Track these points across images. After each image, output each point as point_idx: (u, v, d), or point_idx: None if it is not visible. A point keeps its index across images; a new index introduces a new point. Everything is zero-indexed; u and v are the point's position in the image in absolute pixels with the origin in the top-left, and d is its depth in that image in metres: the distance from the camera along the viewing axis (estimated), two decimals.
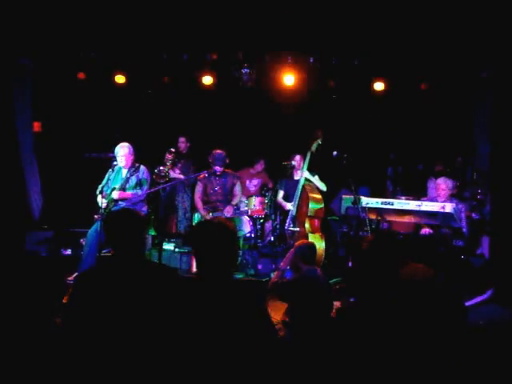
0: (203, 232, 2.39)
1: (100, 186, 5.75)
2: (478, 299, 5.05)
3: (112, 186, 5.70)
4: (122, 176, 5.81)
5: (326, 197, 6.72)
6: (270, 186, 8.06)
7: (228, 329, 2.21)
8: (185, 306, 2.30)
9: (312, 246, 4.44)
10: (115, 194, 5.65)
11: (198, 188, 6.67)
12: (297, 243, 4.51)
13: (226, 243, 2.36)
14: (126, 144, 5.83)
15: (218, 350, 2.18)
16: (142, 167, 5.80)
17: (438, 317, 2.90)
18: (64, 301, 4.60)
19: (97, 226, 5.48)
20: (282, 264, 4.51)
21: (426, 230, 5.88)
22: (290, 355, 3.60)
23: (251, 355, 2.19)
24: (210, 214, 6.43)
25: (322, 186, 6.58)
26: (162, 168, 6.72)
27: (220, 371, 2.17)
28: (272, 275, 6.18)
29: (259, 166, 8.21)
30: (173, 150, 6.99)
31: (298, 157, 6.67)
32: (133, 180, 5.74)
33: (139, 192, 5.75)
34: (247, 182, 8.11)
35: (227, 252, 2.35)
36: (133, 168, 5.74)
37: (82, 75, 7.64)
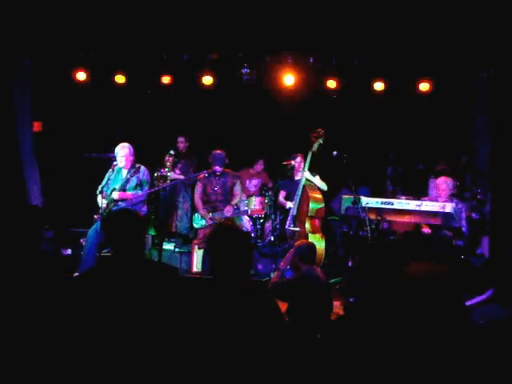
0: (219, 236, 2.40)
1: (100, 186, 5.75)
2: (478, 299, 5.05)
3: (112, 187, 5.70)
4: (122, 176, 5.80)
5: (326, 197, 6.71)
6: (270, 185, 8.05)
7: (244, 331, 2.22)
8: (199, 307, 2.31)
9: (312, 246, 4.45)
10: (115, 195, 5.64)
11: (198, 188, 6.67)
12: (296, 243, 4.51)
13: (244, 246, 2.38)
14: (126, 144, 5.82)
15: (230, 351, 2.19)
16: (142, 168, 5.80)
17: (439, 316, 2.90)
18: None
19: (97, 226, 5.48)
20: (281, 264, 4.51)
21: (425, 230, 5.88)
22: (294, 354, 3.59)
23: (266, 357, 2.20)
24: (210, 214, 6.43)
25: (323, 186, 6.58)
26: (162, 171, 6.74)
27: (228, 372, 2.17)
28: (272, 275, 6.19)
29: (259, 166, 8.21)
30: (172, 152, 6.99)
31: (298, 158, 6.67)
32: (133, 181, 5.74)
33: (139, 192, 5.75)
34: (247, 182, 8.11)
35: (245, 255, 2.38)
36: (133, 169, 5.73)
37: (82, 75, 7.64)
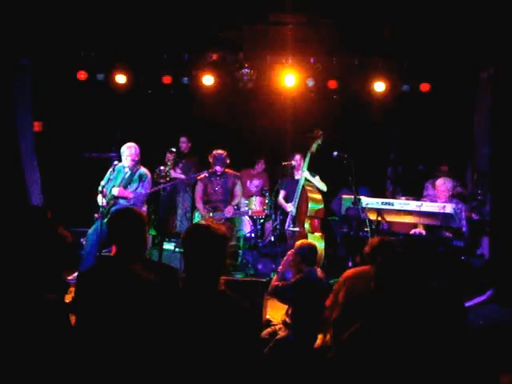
0: (190, 236, 2.35)
1: (100, 186, 5.75)
2: (478, 299, 5.05)
3: (112, 185, 5.71)
4: (124, 175, 5.81)
5: (326, 197, 6.71)
6: (267, 188, 8.03)
7: (210, 334, 2.19)
8: (172, 310, 2.28)
9: (313, 247, 4.44)
10: (115, 191, 5.65)
11: (199, 188, 6.67)
12: (297, 243, 4.50)
13: (212, 249, 2.29)
14: (132, 144, 5.85)
15: (199, 356, 2.16)
16: (141, 167, 5.84)
17: (438, 317, 2.90)
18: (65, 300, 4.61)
19: (97, 225, 5.48)
20: (280, 268, 4.48)
21: (416, 230, 5.88)
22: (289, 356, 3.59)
23: (232, 363, 2.18)
24: (211, 214, 6.43)
25: (323, 187, 6.57)
26: (162, 168, 6.73)
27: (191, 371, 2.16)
28: (272, 275, 6.20)
29: (260, 167, 8.21)
30: (173, 149, 6.98)
31: (297, 156, 6.67)
32: (134, 178, 5.76)
33: (139, 191, 5.75)
34: (248, 183, 8.11)
35: (212, 258, 2.28)
36: (135, 167, 5.76)
37: (82, 75, 7.64)
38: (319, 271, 4.34)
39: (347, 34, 6.70)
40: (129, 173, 5.76)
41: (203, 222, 2.40)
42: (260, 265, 6.92)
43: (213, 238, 2.30)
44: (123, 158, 5.77)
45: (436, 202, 5.89)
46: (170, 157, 6.90)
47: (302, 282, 4.14)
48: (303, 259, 4.28)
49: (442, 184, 5.96)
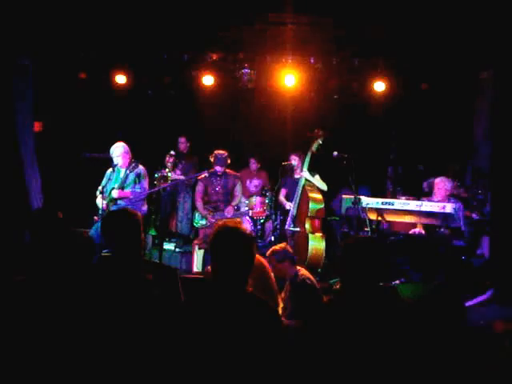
0: (219, 238, 2.37)
1: (100, 187, 5.75)
2: (479, 299, 5.05)
3: (111, 186, 5.71)
4: (120, 175, 5.81)
5: (327, 197, 6.72)
6: (268, 187, 8.02)
7: (241, 334, 2.20)
8: (197, 308, 2.30)
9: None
10: (115, 193, 5.65)
11: (199, 188, 6.67)
12: (269, 253, 4.30)
13: (242, 249, 2.33)
14: (120, 144, 5.85)
15: (227, 354, 2.17)
16: (140, 165, 5.82)
17: (438, 317, 2.90)
18: None
19: (97, 226, 5.48)
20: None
21: (416, 230, 5.87)
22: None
23: (262, 361, 2.19)
24: (211, 214, 6.42)
25: (323, 186, 6.57)
26: (162, 171, 6.74)
27: (224, 375, 2.16)
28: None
29: (253, 165, 8.16)
30: (173, 152, 6.99)
31: (297, 156, 6.67)
32: (131, 176, 5.75)
33: (138, 190, 5.75)
34: (247, 182, 8.10)
35: (241, 259, 2.32)
36: (131, 165, 5.76)
37: (82, 75, 7.64)
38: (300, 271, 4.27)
39: (347, 34, 6.70)
40: (125, 173, 5.75)
41: (229, 223, 2.41)
42: None
43: (242, 238, 2.32)
44: (114, 159, 5.77)
45: (433, 199, 5.90)
46: (169, 160, 6.90)
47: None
48: (292, 261, 4.22)
49: (441, 182, 5.97)
